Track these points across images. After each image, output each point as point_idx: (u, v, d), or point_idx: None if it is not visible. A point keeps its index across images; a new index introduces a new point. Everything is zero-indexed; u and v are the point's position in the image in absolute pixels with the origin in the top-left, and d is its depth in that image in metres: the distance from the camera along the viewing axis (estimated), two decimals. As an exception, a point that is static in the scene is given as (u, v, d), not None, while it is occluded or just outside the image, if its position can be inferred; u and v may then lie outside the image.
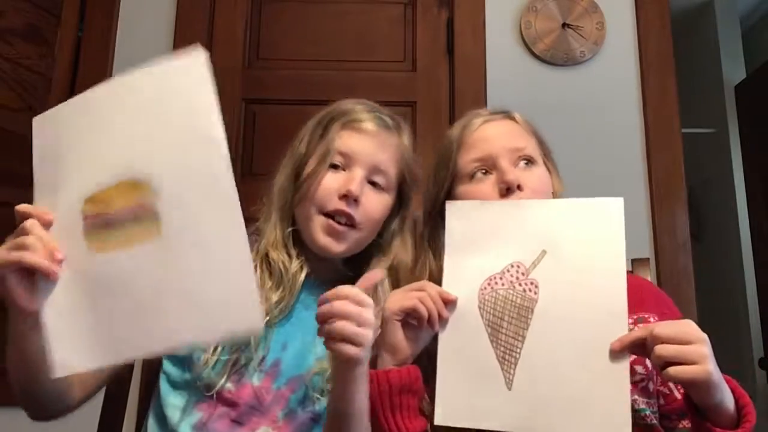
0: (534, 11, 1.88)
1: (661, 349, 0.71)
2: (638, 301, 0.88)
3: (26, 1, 1.73)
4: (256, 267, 0.90)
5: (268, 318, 0.89)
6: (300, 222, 0.95)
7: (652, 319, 0.88)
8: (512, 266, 0.82)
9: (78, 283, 0.70)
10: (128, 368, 1.08)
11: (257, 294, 0.66)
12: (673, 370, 0.70)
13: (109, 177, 0.70)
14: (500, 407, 0.77)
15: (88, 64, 1.84)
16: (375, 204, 0.94)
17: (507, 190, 0.89)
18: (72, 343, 0.70)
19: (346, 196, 0.90)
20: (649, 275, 1.13)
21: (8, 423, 1.60)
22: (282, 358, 0.89)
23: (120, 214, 0.69)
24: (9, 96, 1.67)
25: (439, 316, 0.81)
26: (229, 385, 0.87)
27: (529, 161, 0.93)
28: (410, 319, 0.82)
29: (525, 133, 0.97)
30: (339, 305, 0.71)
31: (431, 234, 0.97)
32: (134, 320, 0.68)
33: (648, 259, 1.04)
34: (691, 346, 0.70)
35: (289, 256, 0.94)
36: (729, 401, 0.73)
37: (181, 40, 1.86)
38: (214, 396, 0.86)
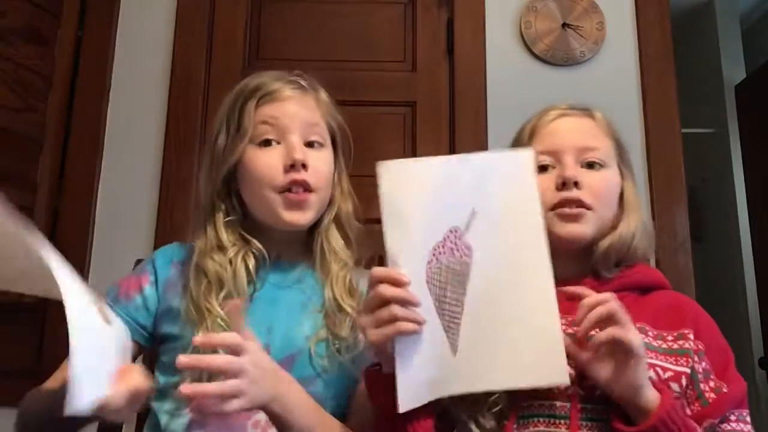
0: (534, 11, 1.88)
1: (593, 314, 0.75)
2: (678, 319, 0.88)
3: (26, 1, 1.73)
4: (189, 282, 0.90)
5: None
6: (255, 210, 0.94)
7: (690, 335, 0.86)
8: (450, 232, 0.79)
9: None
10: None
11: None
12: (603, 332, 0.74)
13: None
14: (449, 375, 0.77)
15: (88, 64, 1.84)
16: (321, 162, 0.94)
17: (563, 185, 0.89)
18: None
19: (293, 166, 0.90)
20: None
21: (8, 423, 1.60)
22: (269, 342, 0.88)
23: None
24: (9, 96, 1.67)
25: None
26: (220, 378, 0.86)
27: (596, 164, 0.92)
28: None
29: (600, 133, 0.95)
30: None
31: None
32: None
33: (648, 259, 1.03)
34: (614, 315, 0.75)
35: (221, 252, 0.91)
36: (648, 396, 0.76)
37: (181, 40, 1.86)
38: None
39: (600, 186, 0.91)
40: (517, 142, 0.99)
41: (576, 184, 0.89)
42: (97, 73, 1.83)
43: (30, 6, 1.74)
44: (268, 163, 0.91)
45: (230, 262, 0.90)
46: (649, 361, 0.83)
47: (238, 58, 1.87)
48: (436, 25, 1.91)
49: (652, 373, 0.82)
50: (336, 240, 0.96)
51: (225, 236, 0.92)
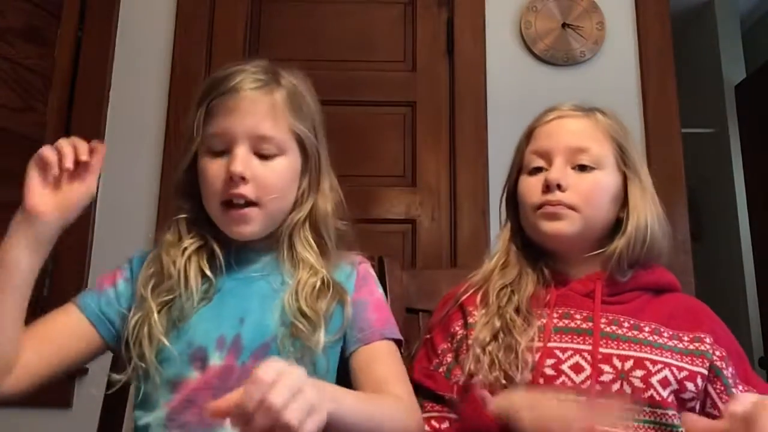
0: (534, 11, 1.88)
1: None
2: (695, 322, 0.90)
3: (26, 1, 1.73)
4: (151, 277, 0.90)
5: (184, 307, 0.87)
6: (213, 217, 0.92)
7: (707, 339, 0.88)
8: None
9: None
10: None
11: None
12: None
13: None
14: None
15: (88, 64, 1.84)
16: (269, 174, 0.88)
17: (547, 187, 0.91)
18: None
19: (232, 179, 0.86)
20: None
21: (8, 423, 1.60)
22: (242, 332, 0.87)
23: None
24: (9, 96, 1.67)
25: None
26: (193, 374, 0.85)
27: (587, 167, 0.92)
28: None
29: (598, 135, 0.95)
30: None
31: (512, 223, 1.01)
32: None
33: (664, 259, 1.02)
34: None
35: (177, 246, 0.92)
36: None
37: (181, 40, 1.86)
38: (179, 390, 0.85)
39: (587, 188, 0.91)
40: (517, 144, 1.02)
41: (559, 186, 0.90)
42: (97, 73, 1.83)
43: (30, 6, 1.74)
44: (213, 174, 0.89)
45: (183, 257, 0.90)
46: (665, 360, 0.84)
47: (238, 58, 1.85)
48: (436, 25, 1.91)
49: (667, 372, 0.83)
50: (304, 244, 0.92)
51: (183, 233, 0.93)
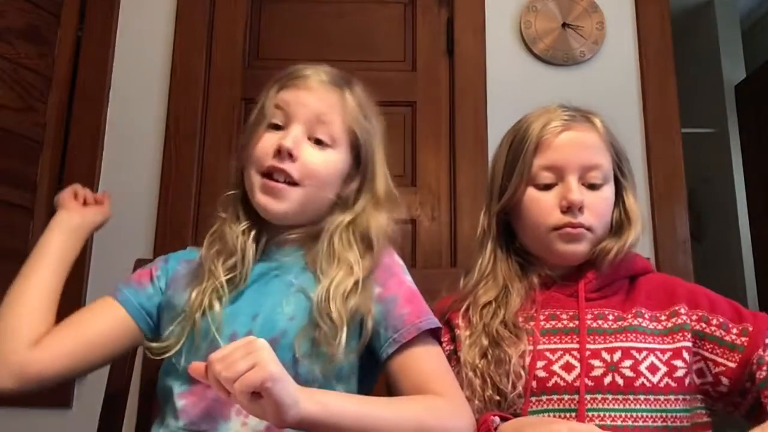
0: (534, 11, 1.88)
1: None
2: (671, 297, 0.91)
3: (26, 1, 1.73)
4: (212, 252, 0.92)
5: (221, 297, 0.88)
6: (248, 190, 0.93)
7: (682, 310, 0.89)
8: None
9: None
10: (129, 368, 1.08)
11: None
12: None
13: None
14: None
15: (88, 64, 1.84)
16: (317, 159, 0.90)
17: (568, 208, 0.90)
18: None
19: (279, 152, 0.87)
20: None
21: (8, 423, 1.60)
22: (253, 328, 0.86)
23: None
24: (9, 96, 1.67)
25: None
26: None
27: (597, 185, 0.92)
28: None
29: (603, 147, 0.94)
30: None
31: (498, 234, 0.98)
32: None
33: (648, 258, 1.03)
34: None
35: (238, 223, 0.93)
36: None
37: (181, 40, 1.86)
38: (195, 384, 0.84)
39: (600, 207, 0.92)
40: (516, 153, 0.95)
41: (581, 209, 0.90)
42: (97, 73, 1.83)
43: (30, 6, 1.74)
44: (262, 145, 0.90)
45: (243, 233, 0.92)
46: (648, 345, 0.86)
47: (238, 58, 1.87)
48: (436, 25, 1.91)
49: (653, 359, 0.84)
50: (345, 245, 0.91)
51: (240, 211, 0.94)
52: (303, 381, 0.81)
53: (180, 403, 0.85)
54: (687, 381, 0.85)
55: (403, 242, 1.80)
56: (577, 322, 0.89)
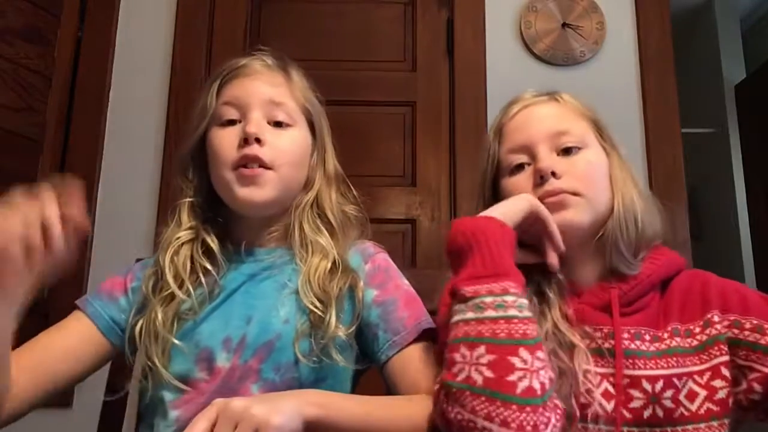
0: (534, 11, 1.88)
1: None
2: (703, 303, 0.83)
3: (26, 1, 1.73)
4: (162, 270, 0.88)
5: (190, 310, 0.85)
6: (219, 193, 0.90)
7: (715, 317, 0.81)
8: None
9: None
10: (128, 370, 1.08)
11: None
12: None
13: None
14: None
15: (88, 64, 1.84)
16: (284, 140, 0.89)
17: (541, 178, 0.82)
18: None
19: (246, 141, 0.86)
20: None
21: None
22: (247, 331, 0.85)
23: None
24: (9, 96, 1.67)
25: None
26: (200, 374, 0.84)
27: (573, 148, 0.84)
28: None
29: (570, 114, 0.88)
30: None
31: None
32: None
33: (660, 236, 0.99)
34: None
35: (182, 229, 0.90)
36: None
37: (181, 40, 1.86)
38: (186, 391, 0.83)
39: (583, 169, 0.83)
40: (484, 149, 0.92)
41: (554, 174, 0.82)
42: (97, 73, 1.83)
43: (30, 6, 1.74)
44: (225, 141, 0.88)
45: (181, 250, 0.88)
46: (687, 369, 0.78)
47: (237, 58, 1.87)
48: (436, 25, 1.91)
49: (691, 384, 0.77)
50: (314, 228, 0.90)
51: (184, 219, 0.91)
52: (305, 379, 0.83)
53: (174, 413, 0.83)
54: (730, 401, 0.77)
55: (404, 242, 1.81)
56: (612, 342, 0.80)
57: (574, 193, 0.82)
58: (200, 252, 0.89)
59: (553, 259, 0.82)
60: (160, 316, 0.85)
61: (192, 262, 0.88)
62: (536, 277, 0.85)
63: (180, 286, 0.86)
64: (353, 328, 0.87)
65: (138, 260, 1.02)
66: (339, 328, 0.84)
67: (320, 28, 1.91)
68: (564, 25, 1.87)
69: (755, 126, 2.74)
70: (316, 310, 0.84)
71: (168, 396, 0.84)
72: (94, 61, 1.84)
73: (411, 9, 1.94)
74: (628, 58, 1.87)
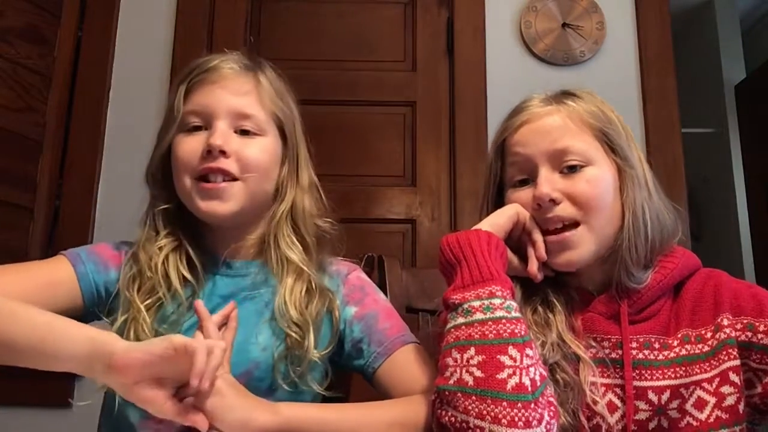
0: (534, 11, 1.88)
1: None
2: (715, 306, 0.80)
3: (26, 1, 1.73)
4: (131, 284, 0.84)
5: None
6: (183, 200, 0.87)
7: (725, 321, 0.79)
8: None
9: None
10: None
11: None
12: None
13: None
14: None
15: (88, 64, 1.84)
16: (252, 149, 0.85)
17: (539, 206, 0.81)
18: None
19: (209, 152, 0.82)
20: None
21: (8, 423, 1.60)
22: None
23: None
24: (9, 96, 1.67)
25: None
26: None
27: (577, 166, 0.82)
28: None
29: (575, 128, 0.84)
30: None
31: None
32: None
33: (676, 236, 0.98)
34: None
35: (156, 243, 0.86)
36: None
37: (181, 40, 1.86)
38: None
39: (583, 191, 0.80)
40: (488, 161, 0.91)
41: (553, 200, 0.80)
42: (97, 73, 1.83)
43: (30, 6, 1.74)
44: (188, 148, 0.84)
45: (161, 255, 0.85)
46: (695, 378, 0.77)
47: (238, 58, 1.87)
48: (436, 25, 1.91)
49: (699, 392, 0.76)
50: (288, 243, 0.87)
51: (160, 227, 0.89)
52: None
53: None
54: (741, 408, 0.75)
55: (404, 242, 1.81)
56: (620, 352, 0.79)
57: (574, 223, 0.81)
58: (184, 261, 0.86)
59: (533, 267, 0.82)
60: (147, 320, 0.81)
61: (166, 271, 0.85)
62: (544, 287, 0.84)
63: (168, 292, 0.83)
64: (329, 349, 0.86)
65: (123, 242, 0.98)
66: (315, 352, 0.83)
67: (320, 28, 1.91)
68: (564, 25, 1.87)
69: (755, 126, 2.74)
70: (293, 333, 0.83)
71: (133, 416, 0.82)
72: (94, 61, 1.84)
73: (411, 9, 1.94)
74: (628, 58, 1.87)
